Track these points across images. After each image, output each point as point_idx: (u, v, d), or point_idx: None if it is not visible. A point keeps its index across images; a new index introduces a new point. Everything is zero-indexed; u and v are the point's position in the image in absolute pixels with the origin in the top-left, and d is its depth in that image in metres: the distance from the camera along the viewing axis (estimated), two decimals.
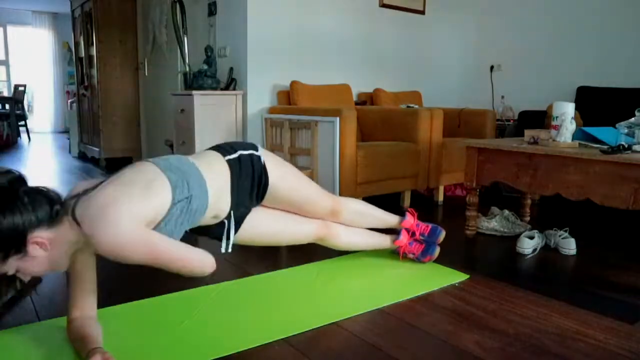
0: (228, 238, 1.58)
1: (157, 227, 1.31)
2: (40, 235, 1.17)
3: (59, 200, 1.24)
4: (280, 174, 1.70)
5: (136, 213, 1.20)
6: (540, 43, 4.16)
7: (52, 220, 1.19)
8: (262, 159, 1.64)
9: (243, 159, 1.58)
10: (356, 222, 1.98)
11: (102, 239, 1.14)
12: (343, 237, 1.92)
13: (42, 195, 1.20)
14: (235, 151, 1.58)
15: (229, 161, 1.55)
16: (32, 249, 1.17)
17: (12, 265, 1.17)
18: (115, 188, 1.24)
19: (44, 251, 1.19)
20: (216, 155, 1.56)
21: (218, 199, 1.49)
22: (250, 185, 1.59)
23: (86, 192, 1.25)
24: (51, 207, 1.20)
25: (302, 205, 1.81)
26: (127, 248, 1.16)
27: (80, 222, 1.18)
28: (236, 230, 1.61)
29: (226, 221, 1.56)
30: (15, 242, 1.14)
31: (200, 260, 1.31)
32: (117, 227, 1.14)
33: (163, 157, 1.45)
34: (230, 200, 1.53)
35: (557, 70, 4.05)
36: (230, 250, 1.61)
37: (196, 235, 1.59)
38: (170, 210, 1.31)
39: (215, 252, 1.40)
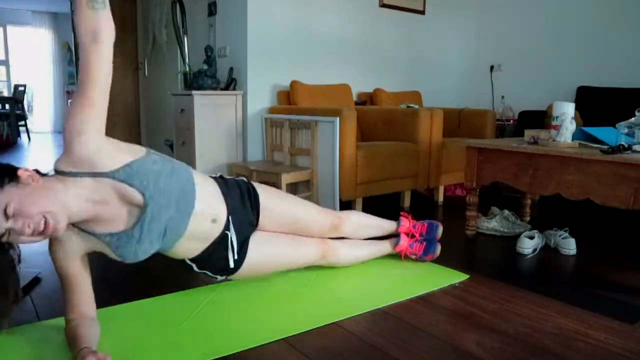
0: (232, 249, 1.60)
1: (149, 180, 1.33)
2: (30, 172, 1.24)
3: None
4: (268, 189, 1.79)
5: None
6: (540, 43, 4.16)
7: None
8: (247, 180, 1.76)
9: (226, 178, 1.70)
10: (357, 234, 2.00)
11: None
12: (343, 251, 1.93)
13: None
14: (217, 174, 1.73)
15: (211, 176, 1.66)
16: (25, 178, 1.21)
17: (10, 194, 1.17)
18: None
19: (35, 182, 1.22)
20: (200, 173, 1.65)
21: (212, 199, 1.55)
22: (239, 195, 1.66)
23: None
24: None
25: (302, 220, 1.82)
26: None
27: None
28: (240, 245, 1.63)
29: (228, 232, 1.58)
30: (8, 171, 1.21)
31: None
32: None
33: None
34: (226, 205, 1.58)
35: (557, 70, 4.05)
36: (234, 265, 1.63)
37: (203, 272, 1.64)
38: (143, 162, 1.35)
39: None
